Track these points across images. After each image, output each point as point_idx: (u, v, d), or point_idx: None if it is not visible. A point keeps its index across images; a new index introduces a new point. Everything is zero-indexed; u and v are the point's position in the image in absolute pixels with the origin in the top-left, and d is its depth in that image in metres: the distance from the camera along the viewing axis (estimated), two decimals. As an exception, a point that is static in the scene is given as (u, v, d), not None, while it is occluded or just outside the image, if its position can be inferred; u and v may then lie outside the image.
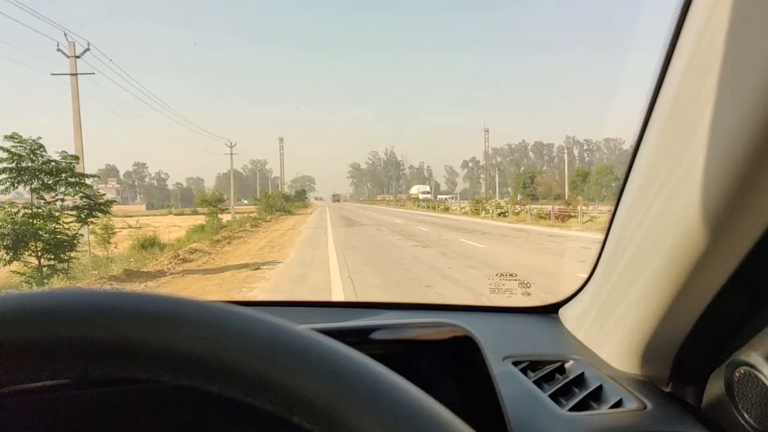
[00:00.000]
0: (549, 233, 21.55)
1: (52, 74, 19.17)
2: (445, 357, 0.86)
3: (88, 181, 13.45)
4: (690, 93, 0.82)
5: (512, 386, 1.05)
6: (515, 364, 1.17)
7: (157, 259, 15.56)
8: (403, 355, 0.84)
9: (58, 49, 18.34)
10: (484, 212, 39.14)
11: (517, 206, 38.99)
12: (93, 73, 20.29)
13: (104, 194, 14.35)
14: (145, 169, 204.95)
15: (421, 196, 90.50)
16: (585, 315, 1.31)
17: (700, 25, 0.79)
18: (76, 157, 12.96)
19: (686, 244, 0.82)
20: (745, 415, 0.84)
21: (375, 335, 0.80)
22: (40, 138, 11.80)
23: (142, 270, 13.18)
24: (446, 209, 55.37)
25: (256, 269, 12.43)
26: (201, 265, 14.69)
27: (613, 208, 1.13)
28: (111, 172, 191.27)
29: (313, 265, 12.86)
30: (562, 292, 1.53)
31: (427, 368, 0.85)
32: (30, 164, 11.68)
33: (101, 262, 14.54)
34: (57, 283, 10.58)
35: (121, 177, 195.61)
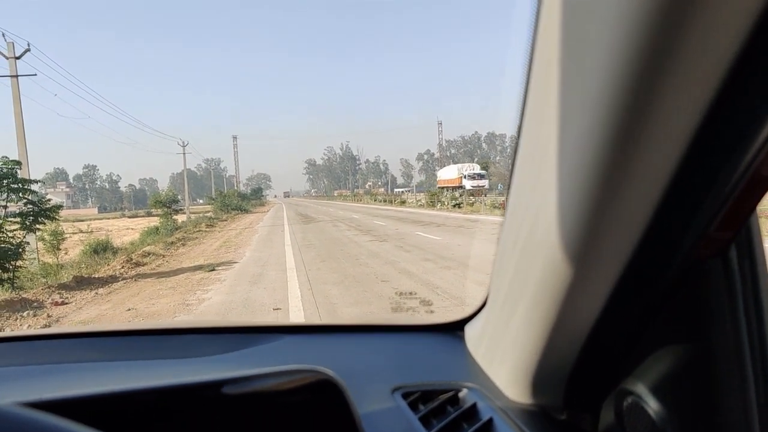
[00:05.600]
0: (504, 223, 21.87)
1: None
2: (308, 407, 0.78)
3: (33, 187, 13.03)
4: (541, 85, 0.72)
5: (395, 426, 1.01)
6: (406, 395, 1.11)
7: (109, 264, 15.25)
8: (260, 411, 0.75)
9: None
10: (439, 204, 39.54)
11: (471, 197, 39.41)
12: (35, 74, 19.71)
13: (50, 199, 13.92)
14: (96, 171, 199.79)
15: (468, 185, 56.56)
16: (482, 337, 1.22)
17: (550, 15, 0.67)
18: (18, 162, 12.55)
19: (555, 264, 0.75)
20: None
21: (224, 390, 0.71)
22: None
23: (93, 276, 12.87)
24: (402, 202, 55.57)
25: (211, 271, 12.29)
26: (155, 268, 14.44)
27: (504, 215, 1.00)
28: (60, 175, 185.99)
29: (269, 264, 12.79)
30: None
31: (289, 423, 0.77)
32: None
33: (51, 270, 14.16)
34: (2, 294, 10.25)
35: (71, 180, 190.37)
